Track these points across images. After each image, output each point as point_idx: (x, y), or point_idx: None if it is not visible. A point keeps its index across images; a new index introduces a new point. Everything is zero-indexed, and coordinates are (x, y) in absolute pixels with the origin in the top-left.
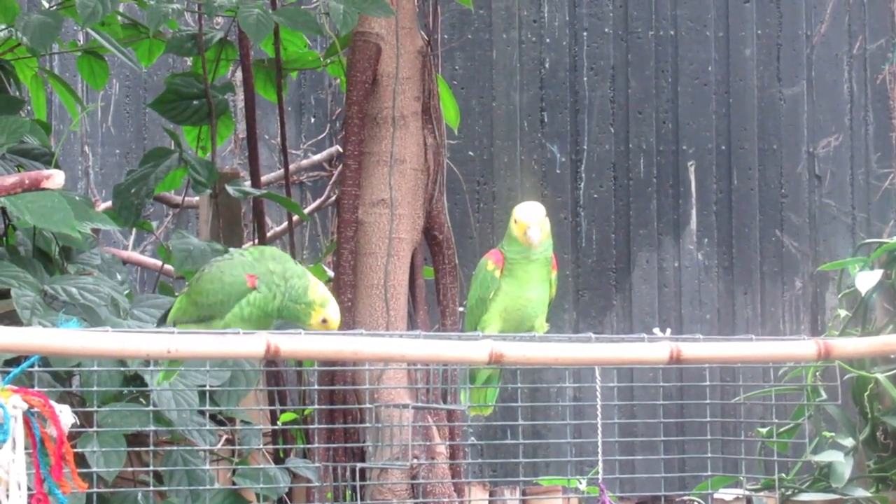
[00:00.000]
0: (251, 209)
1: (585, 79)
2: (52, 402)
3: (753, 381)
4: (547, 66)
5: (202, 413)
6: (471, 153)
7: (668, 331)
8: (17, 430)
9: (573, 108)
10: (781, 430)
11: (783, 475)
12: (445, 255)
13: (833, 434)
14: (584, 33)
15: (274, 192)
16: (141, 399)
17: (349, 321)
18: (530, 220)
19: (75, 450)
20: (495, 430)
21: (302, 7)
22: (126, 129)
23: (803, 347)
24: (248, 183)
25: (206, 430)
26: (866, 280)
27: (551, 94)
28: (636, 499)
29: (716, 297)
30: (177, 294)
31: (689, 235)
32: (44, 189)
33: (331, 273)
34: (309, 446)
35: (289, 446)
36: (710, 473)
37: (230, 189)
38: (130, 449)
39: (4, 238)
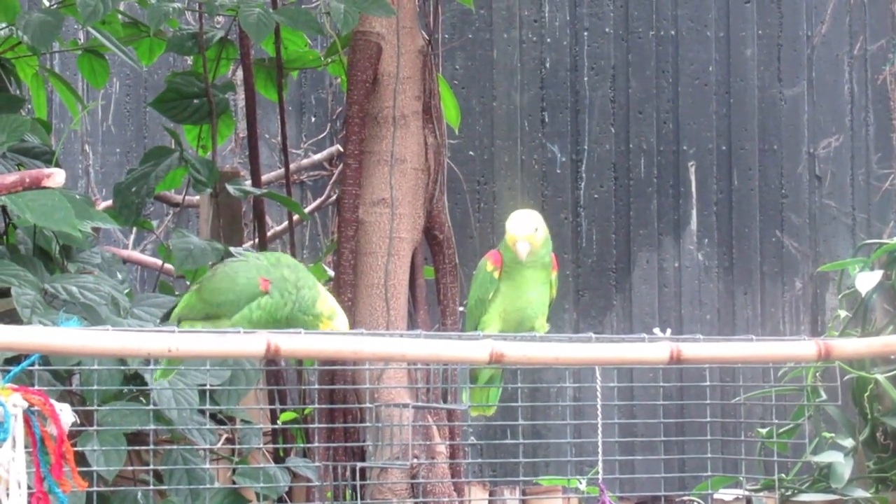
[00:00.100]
0: (251, 208)
1: (586, 79)
2: (53, 401)
3: (753, 382)
4: (547, 65)
5: (202, 412)
6: (471, 153)
7: (668, 331)
8: (18, 428)
9: (574, 108)
10: (781, 430)
11: (783, 475)
12: (446, 254)
13: (833, 435)
14: (585, 33)
15: (274, 192)
16: (141, 398)
17: (349, 321)
18: (519, 233)
19: (75, 448)
20: (495, 429)
21: (303, 6)
22: (126, 128)
23: (803, 348)
24: (249, 182)
25: (206, 429)
26: (866, 281)
27: (552, 93)
28: (636, 499)
29: (716, 297)
30: (177, 293)
31: (690, 236)
32: (44, 188)
33: (331, 272)
34: (309, 445)
35: (289, 445)
36: (709, 474)
37: (230, 188)
38: (130, 448)
39: (5, 236)
